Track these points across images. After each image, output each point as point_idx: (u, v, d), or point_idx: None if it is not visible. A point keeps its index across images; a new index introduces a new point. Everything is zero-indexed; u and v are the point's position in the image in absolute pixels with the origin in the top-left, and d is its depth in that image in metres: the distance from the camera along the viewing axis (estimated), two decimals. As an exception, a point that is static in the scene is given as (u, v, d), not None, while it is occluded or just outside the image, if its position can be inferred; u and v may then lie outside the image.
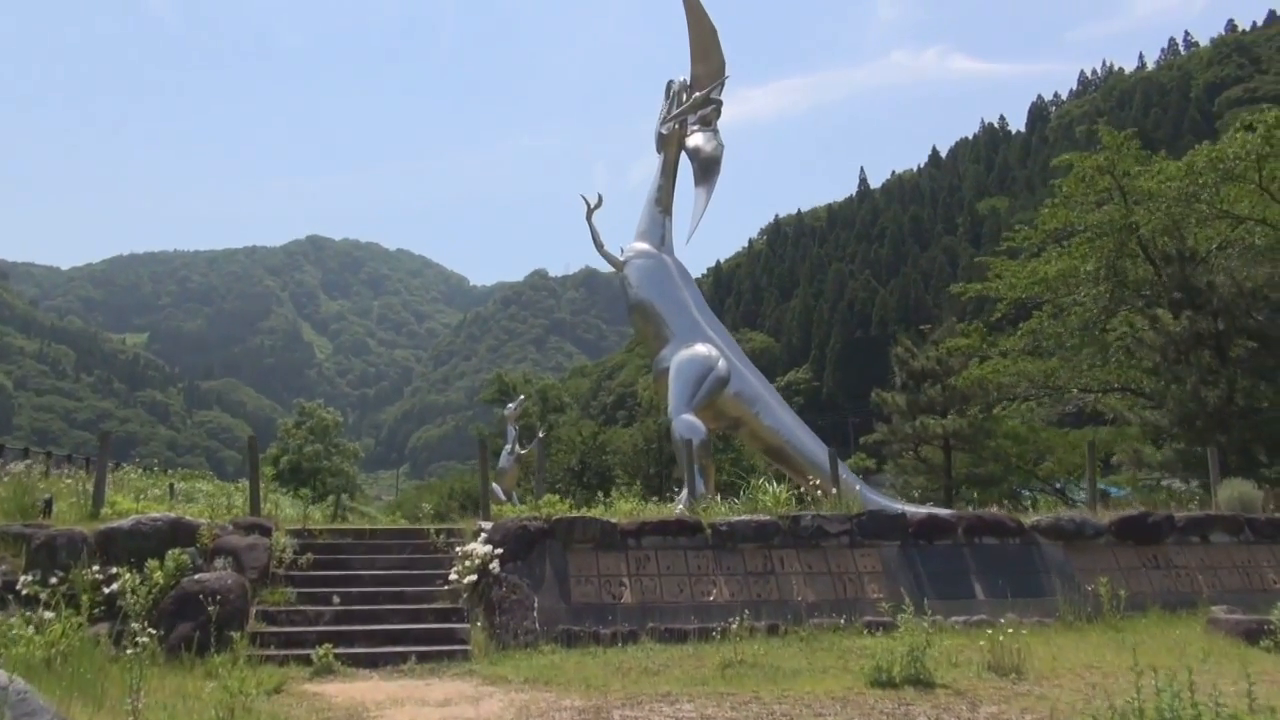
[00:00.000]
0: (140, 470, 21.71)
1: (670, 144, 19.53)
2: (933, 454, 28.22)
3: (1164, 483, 23.27)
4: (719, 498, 13.50)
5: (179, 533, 10.88)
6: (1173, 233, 21.51)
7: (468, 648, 10.16)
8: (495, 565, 11.02)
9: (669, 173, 19.47)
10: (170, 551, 10.39)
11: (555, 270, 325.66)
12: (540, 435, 21.56)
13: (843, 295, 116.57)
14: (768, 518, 12.05)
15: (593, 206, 19.30)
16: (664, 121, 19.80)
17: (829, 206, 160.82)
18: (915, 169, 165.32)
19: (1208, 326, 19.40)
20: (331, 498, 54.72)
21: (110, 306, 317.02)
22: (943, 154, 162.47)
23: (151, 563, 10.12)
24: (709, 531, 11.84)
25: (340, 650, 9.78)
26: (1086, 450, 17.33)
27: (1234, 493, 14.64)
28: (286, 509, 29.55)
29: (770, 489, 12.96)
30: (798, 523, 12.08)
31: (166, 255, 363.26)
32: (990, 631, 9.72)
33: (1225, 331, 19.60)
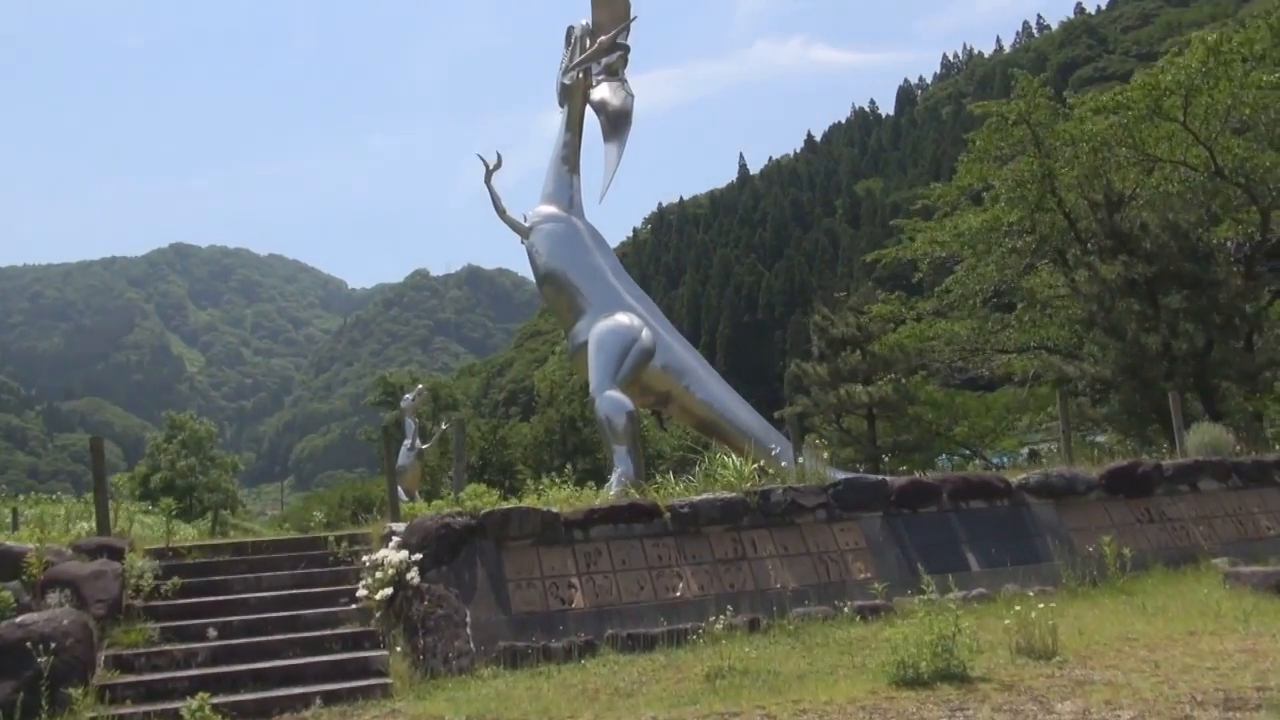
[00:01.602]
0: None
1: (574, 95, 17.61)
2: (856, 424, 27.18)
3: (1088, 438, 22.74)
4: (671, 476, 11.70)
5: (-3, 563, 8.40)
6: (1095, 179, 20.82)
7: (387, 681, 8.07)
8: (414, 574, 8.94)
9: (575, 127, 17.57)
10: (-17, 589, 7.94)
11: (437, 270, 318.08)
12: (443, 427, 19.30)
13: (729, 280, 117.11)
14: (733, 495, 10.32)
15: (491, 168, 17.22)
16: (566, 71, 17.86)
17: (711, 193, 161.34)
18: (792, 154, 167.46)
19: (1142, 271, 18.69)
20: (210, 514, 50.71)
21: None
22: (817, 139, 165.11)
23: (-44, 605, 7.70)
24: (668, 515, 10.03)
25: (221, 699, 7.56)
26: (1058, 402, 16.19)
27: (1204, 438, 13.72)
28: (158, 530, 26.41)
29: (730, 462, 11.22)
30: (768, 498, 10.40)
31: (16, 270, 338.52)
32: (1017, 609, 8.21)
33: (1157, 276, 18.95)
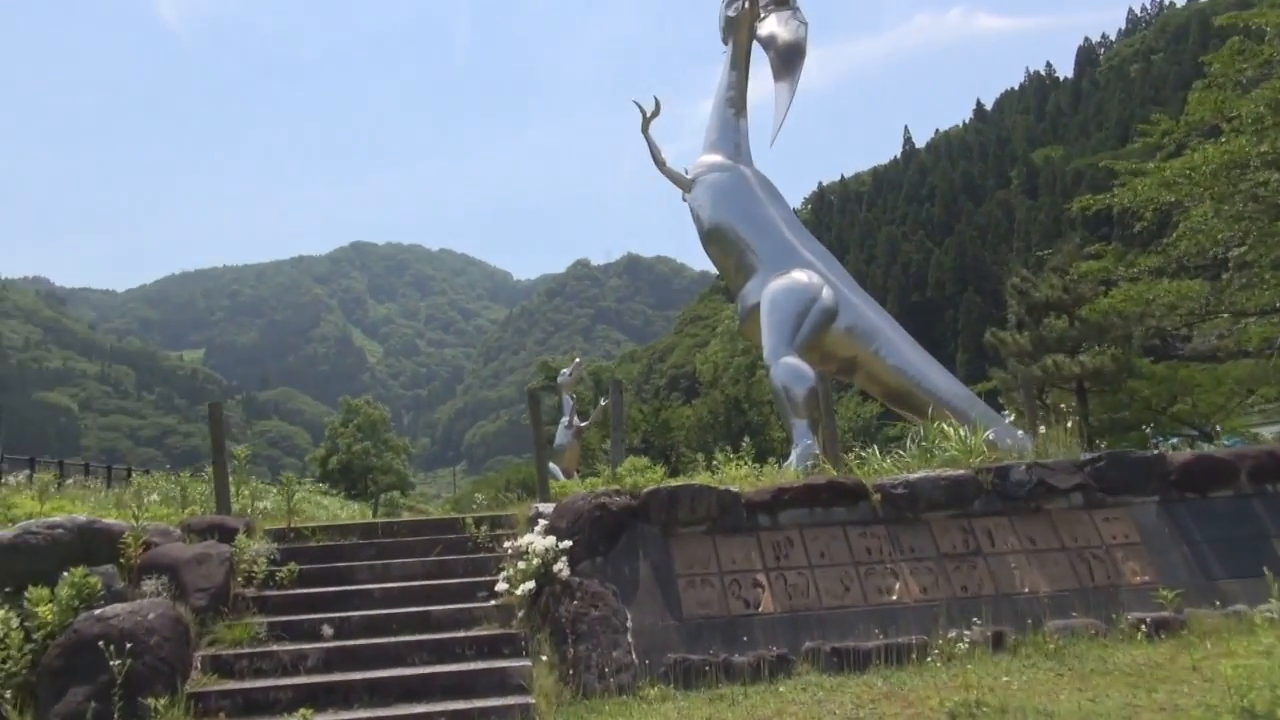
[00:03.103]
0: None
1: (740, 28, 15.64)
2: (1062, 399, 23.88)
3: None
4: (876, 450, 9.52)
5: (91, 543, 7.25)
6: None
7: (529, 700, 6.38)
8: (562, 566, 7.23)
9: (740, 65, 15.58)
10: (67, 573, 6.78)
11: (597, 259, 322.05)
12: (604, 403, 17.64)
13: (895, 259, 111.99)
14: (961, 473, 8.07)
15: (649, 115, 15.38)
16: (730, 1, 15.88)
17: (874, 170, 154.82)
18: (961, 125, 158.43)
19: None
20: (384, 496, 51.77)
21: (166, 325, 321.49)
22: (988, 107, 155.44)
23: (36, 591, 6.55)
24: (877, 498, 7.91)
25: (331, 715, 6.10)
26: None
27: None
28: (332, 512, 26.23)
29: (954, 433, 8.94)
30: (1006, 477, 8.10)
31: (216, 271, 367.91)
32: None
33: None
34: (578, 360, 23.56)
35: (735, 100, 15.48)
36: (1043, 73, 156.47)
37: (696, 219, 15.05)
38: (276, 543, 8.30)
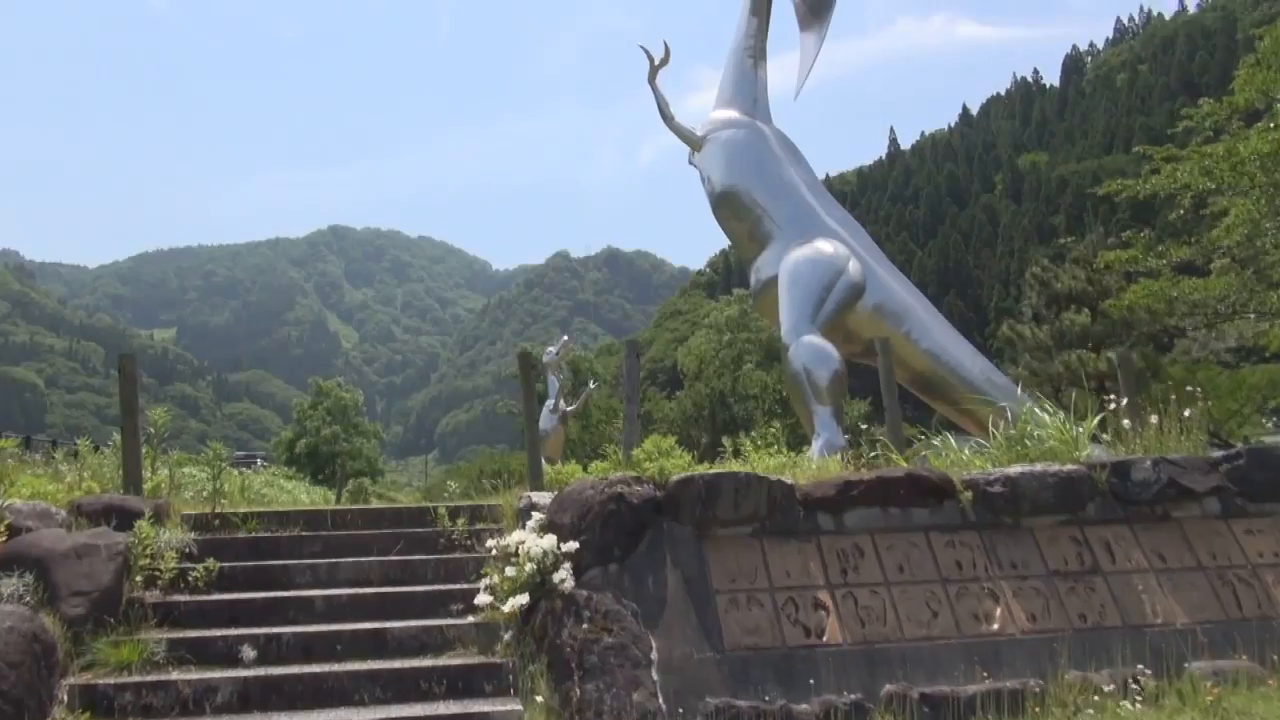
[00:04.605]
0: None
1: (764, -35, 13.97)
2: (1081, 399, 22.32)
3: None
4: (945, 436, 7.73)
5: (-67, 529, 5.39)
6: None
7: (520, 761, 4.61)
8: (565, 575, 5.45)
9: (761, 8, 13.93)
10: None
11: (577, 251, 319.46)
12: (591, 386, 15.84)
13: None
14: (1073, 468, 6.35)
15: (656, 63, 13.62)
16: (752, -63, 14.19)
17: (858, 170, 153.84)
18: (946, 128, 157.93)
19: None
20: (352, 483, 49.64)
21: (138, 303, 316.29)
22: (973, 112, 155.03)
23: None
24: (968, 496, 6.19)
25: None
26: None
27: None
28: (301, 496, 24.16)
29: (1049, 419, 7.22)
30: (1127, 476, 6.40)
31: (191, 250, 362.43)
32: None
33: None
34: (565, 338, 21.67)
35: (754, 49, 13.85)
36: (1029, 79, 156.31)
37: (706, 180, 13.38)
38: (195, 532, 6.47)
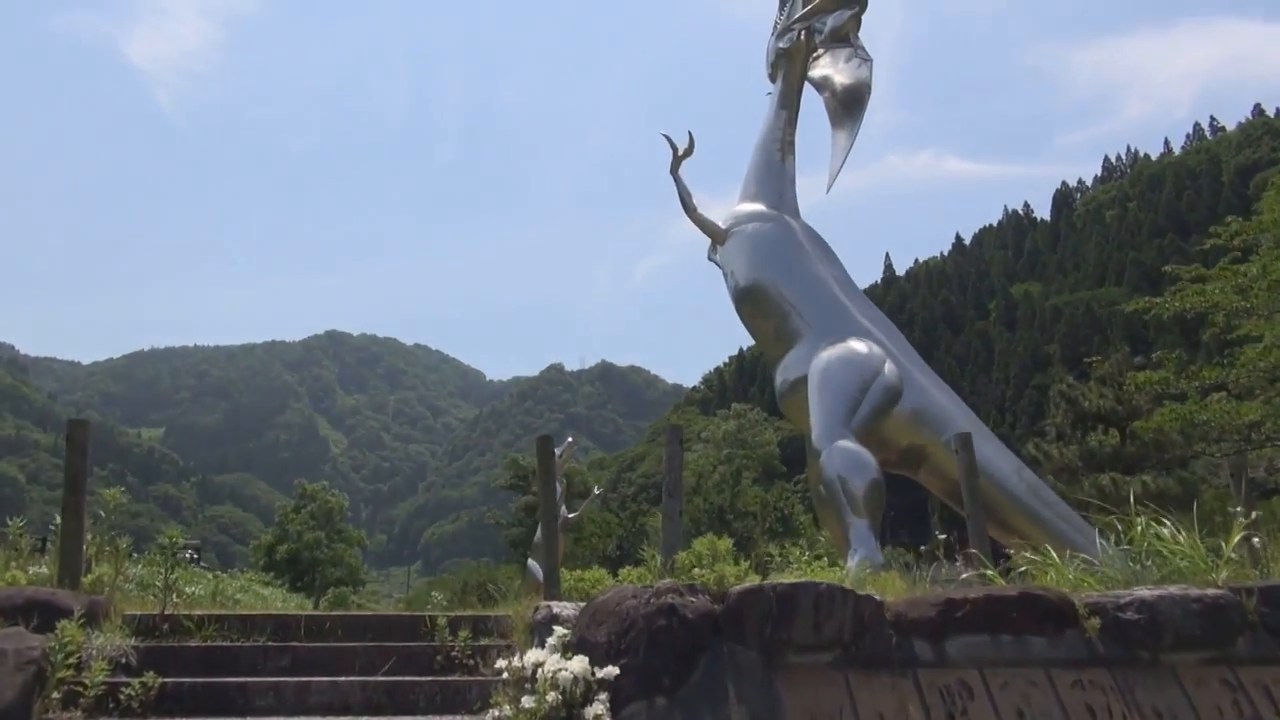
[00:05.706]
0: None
1: (793, 62, 13.65)
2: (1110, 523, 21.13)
3: None
4: (1046, 550, 6.57)
5: None
6: None
7: None
8: (602, 710, 4.25)
9: (791, 103, 13.53)
10: None
11: (571, 364, 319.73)
12: (597, 491, 14.64)
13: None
14: (1218, 593, 5.21)
15: (680, 154, 13.10)
16: (782, 32, 13.89)
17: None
18: (940, 256, 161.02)
19: None
20: (332, 591, 47.33)
21: (129, 401, 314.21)
22: (966, 241, 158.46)
23: None
24: (1094, 623, 5.02)
25: None
26: None
27: None
28: (276, 603, 22.46)
29: (1167, 531, 6.10)
30: (1277, 602, 5.24)
31: (186, 350, 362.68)
32: None
33: None
34: (569, 439, 20.53)
35: (783, 142, 13.35)
36: (1020, 212, 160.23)
37: (729, 275, 12.65)
38: (138, 637, 5.28)
